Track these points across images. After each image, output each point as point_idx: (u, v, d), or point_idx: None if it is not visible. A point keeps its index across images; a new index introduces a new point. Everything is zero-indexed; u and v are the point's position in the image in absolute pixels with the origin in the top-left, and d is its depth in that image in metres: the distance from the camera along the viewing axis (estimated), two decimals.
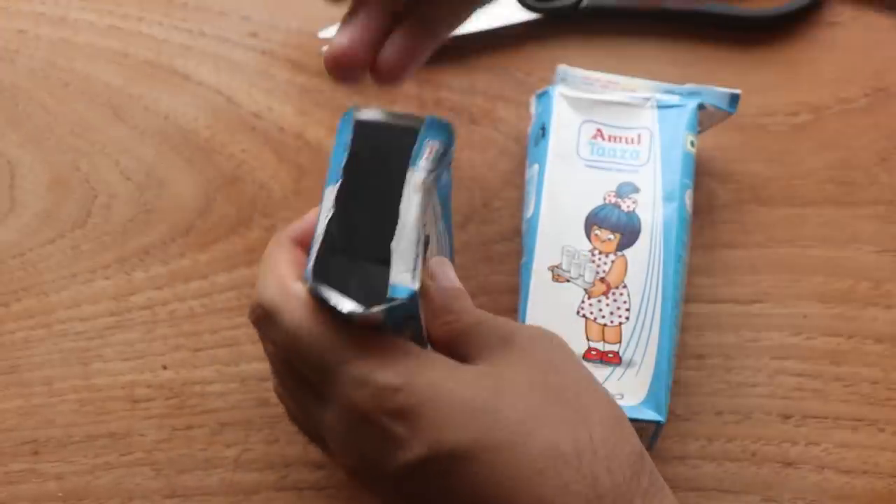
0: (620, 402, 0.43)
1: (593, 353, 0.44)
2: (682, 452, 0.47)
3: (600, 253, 0.46)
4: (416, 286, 0.32)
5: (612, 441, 0.32)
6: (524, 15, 0.54)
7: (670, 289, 0.45)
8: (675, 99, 0.48)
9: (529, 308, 0.45)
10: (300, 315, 0.33)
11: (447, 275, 0.38)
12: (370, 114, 0.37)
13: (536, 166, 0.48)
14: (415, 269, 0.33)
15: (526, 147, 0.52)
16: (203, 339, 0.50)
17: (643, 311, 0.44)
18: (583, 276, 0.45)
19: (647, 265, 0.45)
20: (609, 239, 0.46)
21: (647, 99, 0.48)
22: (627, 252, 0.45)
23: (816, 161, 0.52)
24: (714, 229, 0.50)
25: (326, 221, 0.34)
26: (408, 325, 0.34)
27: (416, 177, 0.34)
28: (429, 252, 0.37)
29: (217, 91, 0.54)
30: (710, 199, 0.51)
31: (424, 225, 0.34)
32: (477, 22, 0.54)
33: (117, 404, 0.49)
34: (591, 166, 0.47)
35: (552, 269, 0.46)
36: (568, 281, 0.45)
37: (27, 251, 0.52)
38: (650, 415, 0.43)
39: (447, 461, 0.31)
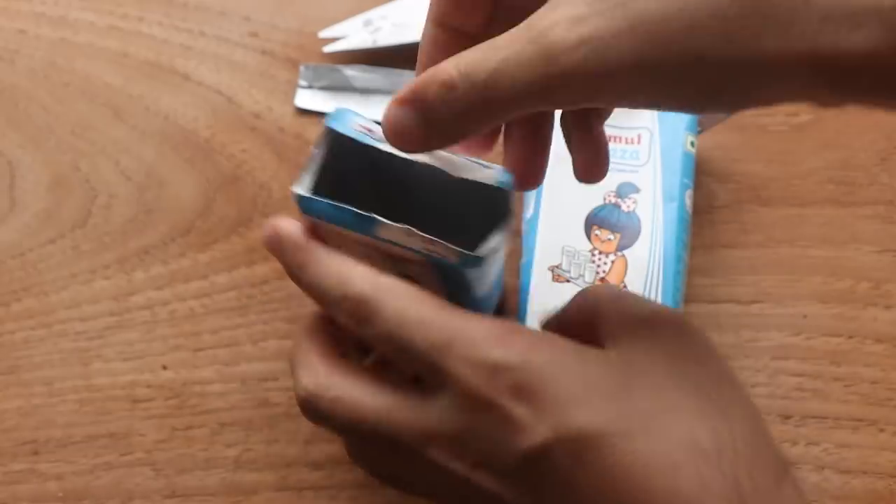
0: None
1: None
2: None
3: (600, 253, 0.46)
4: (486, 256, 0.31)
5: (755, 443, 0.29)
6: None
7: (670, 289, 0.45)
8: None
9: (529, 308, 0.45)
10: (404, 301, 0.31)
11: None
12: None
13: None
14: (495, 248, 0.32)
15: None
16: (203, 339, 0.50)
17: None
18: (583, 276, 0.45)
19: (647, 265, 0.45)
20: (609, 239, 0.46)
21: None
22: (627, 252, 0.45)
23: (816, 161, 0.52)
24: (714, 229, 0.50)
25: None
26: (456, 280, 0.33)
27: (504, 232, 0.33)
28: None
29: (217, 91, 0.54)
30: (709, 199, 0.51)
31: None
32: None
33: (117, 404, 0.49)
34: None
35: (552, 269, 0.46)
36: (568, 281, 0.45)
37: (27, 251, 0.52)
38: None
39: (574, 446, 0.28)
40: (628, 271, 0.45)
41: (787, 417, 0.48)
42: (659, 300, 0.44)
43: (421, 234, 0.32)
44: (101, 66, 0.55)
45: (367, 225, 0.32)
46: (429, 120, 0.30)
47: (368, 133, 0.34)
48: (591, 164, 0.36)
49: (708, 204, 0.51)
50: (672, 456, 0.28)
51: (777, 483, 0.29)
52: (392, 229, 0.32)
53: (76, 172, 0.53)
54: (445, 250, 0.32)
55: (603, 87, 0.28)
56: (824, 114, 0.53)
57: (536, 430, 0.28)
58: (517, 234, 0.50)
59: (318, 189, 0.33)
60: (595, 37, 0.27)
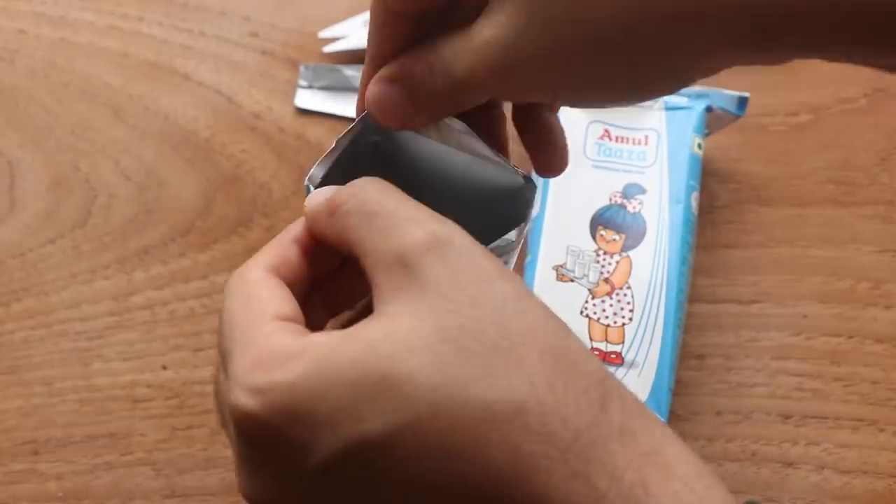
0: None
1: (596, 353, 0.44)
2: None
3: (605, 253, 0.46)
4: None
5: (561, 380, 0.26)
6: None
7: (674, 290, 0.45)
8: (683, 101, 0.48)
9: None
10: (235, 299, 0.29)
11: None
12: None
13: None
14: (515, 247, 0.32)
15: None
16: (203, 339, 0.50)
17: (647, 312, 0.44)
18: (587, 276, 0.45)
19: (651, 266, 0.45)
20: (614, 239, 0.46)
21: (656, 100, 0.48)
22: (632, 253, 0.45)
23: (816, 161, 0.52)
24: (715, 229, 0.51)
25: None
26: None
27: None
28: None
29: (217, 91, 0.54)
30: (710, 199, 0.51)
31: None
32: None
33: (117, 404, 0.49)
34: (597, 167, 0.47)
35: (556, 268, 0.46)
36: (572, 281, 0.45)
37: (27, 251, 0.52)
38: None
39: (362, 454, 0.26)
40: (633, 272, 0.45)
41: (788, 417, 0.48)
42: (663, 301, 0.44)
43: None
44: (101, 66, 0.55)
45: None
46: (415, 99, 0.32)
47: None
48: (548, 157, 0.37)
49: (709, 204, 0.51)
50: (472, 432, 0.25)
51: (602, 413, 0.26)
52: None
53: (76, 172, 0.53)
54: None
55: (522, 83, 0.30)
56: (824, 113, 0.53)
57: (316, 449, 0.26)
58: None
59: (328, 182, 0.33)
60: (512, 37, 0.29)
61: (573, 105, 0.35)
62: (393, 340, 0.26)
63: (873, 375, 0.48)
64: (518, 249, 0.34)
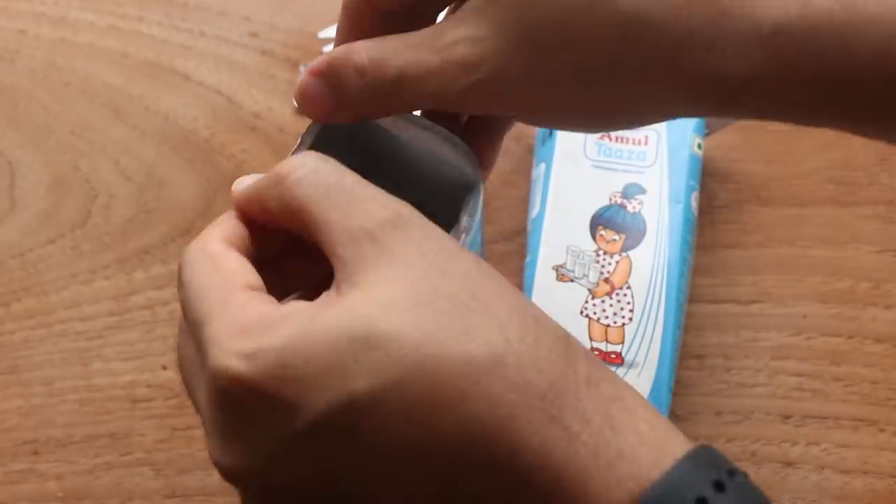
0: None
1: (596, 353, 0.44)
2: None
3: (605, 253, 0.46)
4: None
5: (531, 335, 0.27)
6: None
7: (674, 290, 0.45)
8: None
9: None
10: (199, 270, 0.29)
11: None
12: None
13: (543, 165, 0.48)
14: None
15: (526, 147, 0.52)
16: None
17: (647, 312, 0.44)
18: (587, 276, 0.45)
19: (651, 266, 0.45)
20: (614, 239, 0.46)
21: None
22: (632, 253, 0.46)
23: (816, 161, 0.52)
24: (714, 229, 0.51)
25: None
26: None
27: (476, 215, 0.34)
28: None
29: (217, 91, 0.54)
30: (710, 199, 0.51)
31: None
32: None
33: (117, 404, 0.49)
34: (597, 166, 0.47)
35: (556, 268, 0.46)
36: (572, 281, 0.45)
37: (27, 251, 0.52)
38: None
39: (351, 415, 0.26)
40: (633, 272, 0.45)
41: (788, 417, 0.48)
42: (663, 302, 0.44)
43: None
44: (101, 66, 0.55)
45: None
46: (339, 95, 0.33)
47: None
48: (484, 162, 0.38)
49: (708, 204, 0.51)
50: (454, 386, 0.26)
51: (569, 365, 0.27)
52: None
53: (76, 172, 0.53)
54: None
55: (498, 103, 0.32)
56: None
57: (304, 409, 0.26)
58: (517, 234, 0.50)
59: None
60: (491, 58, 0.30)
61: (532, 124, 0.36)
62: (372, 304, 0.27)
63: (873, 375, 0.48)
64: (468, 236, 0.34)
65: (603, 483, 0.26)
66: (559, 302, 0.45)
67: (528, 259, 0.47)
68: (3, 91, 0.55)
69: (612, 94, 0.29)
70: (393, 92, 0.32)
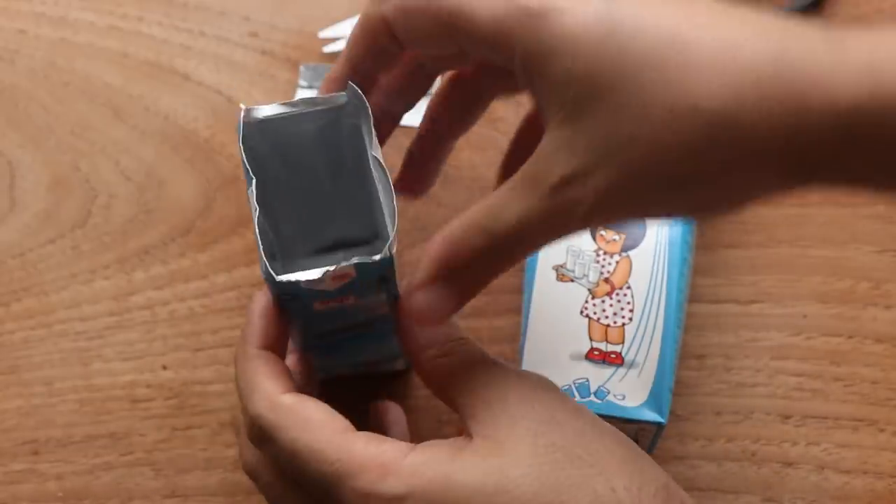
0: (622, 403, 0.43)
1: (596, 353, 0.44)
2: (682, 452, 0.47)
3: (605, 253, 0.46)
4: (391, 248, 0.33)
5: (636, 486, 0.31)
6: None
7: (674, 291, 0.45)
8: None
9: (533, 307, 0.45)
10: (297, 429, 0.32)
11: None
12: (267, 110, 0.36)
13: None
14: (392, 230, 0.33)
15: None
16: (203, 339, 0.50)
17: (647, 312, 0.44)
18: (587, 275, 0.45)
19: (651, 266, 0.45)
20: (614, 239, 0.46)
21: None
22: (632, 253, 0.45)
23: None
24: (715, 229, 0.50)
25: (257, 223, 0.34)
26: (383, 288, 0.34)
27: (377, 150, 0.34)
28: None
29: (217, 91, 0.54)
30: None
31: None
32: None
33: (117, 404, 0.49)
34: None
35: (556, 268, 0.46)
36: (572, 280, 0.45)
37: (27, 251, 0.52)
38: (651, 416, 0.43)
39: None
40: (633, 272, 0.45)
41: (787, 417, 0.48)
42: (663, 302, 0.44)
43: (330, 269, 0.32)
44: (101, 66, 0.55)
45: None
46: (461, 286, 0.34)
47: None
48: (423, 181, 0.42)
49: None
50: None
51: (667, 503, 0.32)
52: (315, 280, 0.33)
53: (76, 172, 0.53)
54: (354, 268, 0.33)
55: (603, 222, 0.34)
56: None
57: None
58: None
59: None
60: (595, 190, 0.31)
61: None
62: (499, 453, 0.31)
63: (873, 375, 0.48)
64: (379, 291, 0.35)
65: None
66: (559, 302, 0.45)
67: (527, 259, 0.47)
68: (3, 91, 0.55)
69: (707, 190, 0.30)
70: (510, 251, 0.33)
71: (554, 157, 0.31)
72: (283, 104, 0.36)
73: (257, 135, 0.36)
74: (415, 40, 0.34)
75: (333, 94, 0.36)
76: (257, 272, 0.51)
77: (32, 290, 0.51)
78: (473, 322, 0.49)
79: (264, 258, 0.33)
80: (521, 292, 0.47)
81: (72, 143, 0.54)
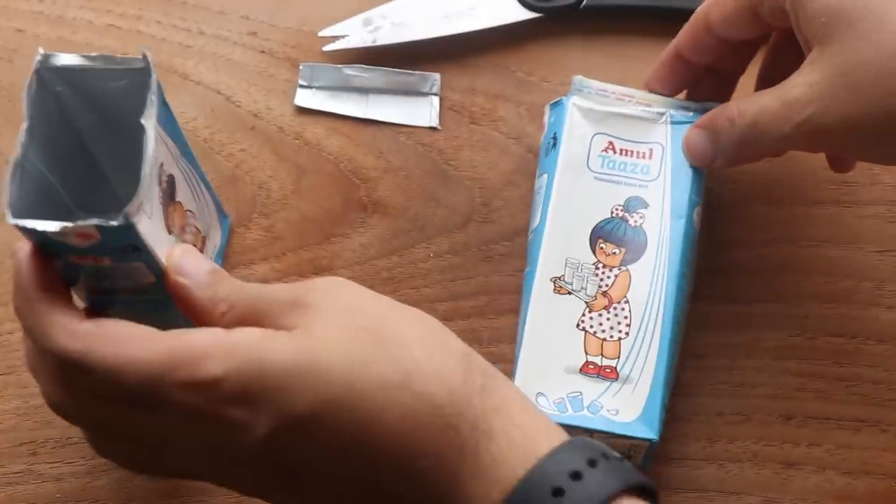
0: (614, 418, 0.42)
1: (591, 366, 0.44)
2: (683, 453, 0.47)
3: (604, 266, 0.45)
4: (133, 216, 0.33)
5: (436, 356, 0.34)
6: (524, 14, 0.54)
7: (672, 307, 0.44)
8: (689, 115, 0.47)
9: (529, 319, 0.45)
10: (106, 347, 0.33)
11: (196, 264, 0.36)
12: (67, 59, 0.37)
13: (545, 176, 0.47)
14: (140, 202, 0.33)
15: (527, 146, 0.52)
16: None
17: (644, 327, 0.44)
18: (585, 289, 0.45)
19: (650, 281, 0.45)
20: (614, 253, 0.45)
21: (662, 114, 0.47)
22: (632, 267, 0.45)
23: (818, 160, 0.52)
24: (716, 229, 0.50)
25: (16, 159, 0.35)
26: (136, 257, 0.34)
27: (151, 119, 0.36)
28: (179, 194, 0.38)
29: (216, 90, 0.54)
30: (713, 198, 0.51)
31: (162, 165, 0.36)
32: (477, 21, 0.54)
33: None
34: (600, 179, 0.47)
35: (554, 280, 0.45)
36: (570, 293, 0.45)
37: None
38: (643, 432, 0.42)
39: (296, 429, 0.32)
40: (631, 286, 0.45)
41: (789, 418, 0.47)
42: (660, 317, 0.44)
43: (68, 223, 0.33)
44: None
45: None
46: (716, 143, 0.45)
47: None
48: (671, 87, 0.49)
49: (711, 203, 0.51)
50: (374, 402, 0.32)
51: (468, 375, 0.34)
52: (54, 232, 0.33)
53: None
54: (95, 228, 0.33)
55: (818, 141, 0.42)
56: None
57: (258, 424, 0.32)
58: (517, 234, 0.50)
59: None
60: (818, 99, 0.39)
61: (854, 157, 0.48)
62: (308, 336, 0.34)
63: (875, 376, 0.48)
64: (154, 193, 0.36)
65: (483, 487, 0.33)
66: (556, 314, 0.45)
67: (526, 270, 0.46)
68: (1, 90, 0.55)
69: None
70: (752, 135, 0.42)
71: (798, 72, 0.40)
72: (83, 56, 0.37)
73: (56, 80, 0.37)
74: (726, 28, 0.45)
75: (131, 56, 0.38)
76: (257, 272, 0.50)
77: None
78: (474, 322, 0.49)
79: (8, 194, 0.33)
80: (517, 293, 0.47)
81: None
